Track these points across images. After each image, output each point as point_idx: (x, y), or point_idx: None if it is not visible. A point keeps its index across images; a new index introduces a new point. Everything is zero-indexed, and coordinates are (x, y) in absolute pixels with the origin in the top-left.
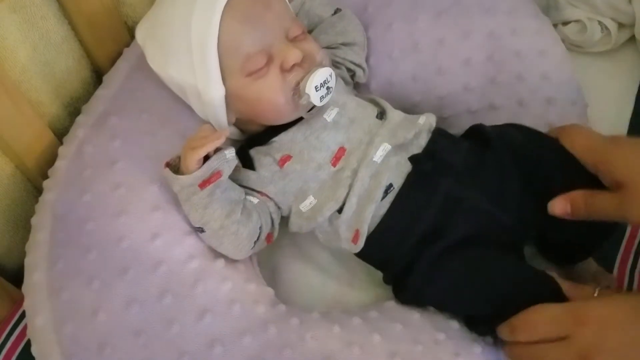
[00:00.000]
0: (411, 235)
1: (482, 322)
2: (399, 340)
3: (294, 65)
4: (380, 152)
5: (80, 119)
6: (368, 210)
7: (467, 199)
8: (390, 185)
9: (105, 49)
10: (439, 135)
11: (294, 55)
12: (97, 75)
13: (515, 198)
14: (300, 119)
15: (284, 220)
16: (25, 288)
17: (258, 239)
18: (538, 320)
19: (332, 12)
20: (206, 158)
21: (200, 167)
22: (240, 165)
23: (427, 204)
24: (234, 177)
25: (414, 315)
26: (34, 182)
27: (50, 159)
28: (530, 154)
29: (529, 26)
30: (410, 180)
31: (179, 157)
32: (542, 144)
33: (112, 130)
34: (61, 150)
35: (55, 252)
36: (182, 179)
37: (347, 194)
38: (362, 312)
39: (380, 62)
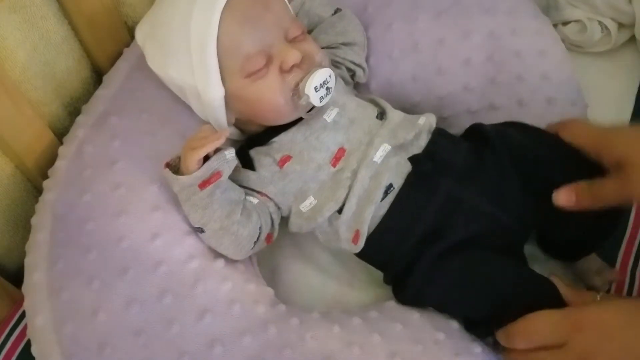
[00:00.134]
0: (411, 236)
1: (481, 324)
2: (399, 340)
3: (293, 66)
4: (380, 153)
5: (80, 119)
6: (368, 210)
7: (467, 200)
8: (390, 186)
9: (105, 49)
10: (439, 135)
11: (293, 55)
12: (97, 75)
13: (515, 198)
14: (300, 119)
15: (284, 220)
16: (25, 288)
17: (258, 239)
18: (536, 328)
19: (332, 12)
20: (206, 158)
21: (200, 168)
22: (240, 165)
23: (427, 204)
24: (233, 178)
25: (414, 315)
26: (34, 182)
27: (50, 159)
28: (529, 153)
29: (529, 26)
30: (410, 181)
31: (179, 158)
32: (542, 141)
33: (112, 130)
34: (61, 150)
35: (55, 252)
36: (182, 179)
37: (347, 194)
38: (362, 312)
39: (380, 62)
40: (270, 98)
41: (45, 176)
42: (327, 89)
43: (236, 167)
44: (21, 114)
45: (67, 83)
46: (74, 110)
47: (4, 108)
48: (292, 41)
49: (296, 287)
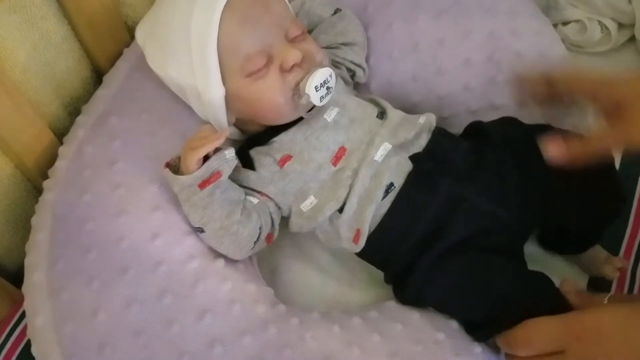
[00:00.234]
0: (412, 235)
1: (481, 326)
2: (399, 340)
3: (293, 66)
4: (381, 152)
5: (80, 119)
6: (369, 209)
7: (467, 199)
8: (391, 185)
9: (105, 49)
10: (439, 134)
11: (293, 55)
12: (97, 75)
13: (516, 196)
14: (301, 119)
15: (284, 220)
16: (25, 288)
17: (258, 239)
18: (534, 336)
19: (332, 12)
20: (206, 158)
21: (200, 168)
22: (240, 165)
23: (428, 203)
24: (234, 178)
25: (414, 315)
26: (34, 182)
27: (50, 159)
28: (529, 150)
29: (529, 26)
30: (411, 180)
31: (179, 158)
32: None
33: (112, 130)
34: (61, 150)
35: (55, 252)
36: (181, 179)
37: (348, 193)
38: (362, 312)
39: (380, 62)
40: (270, 98)
41: (45, 176)
42: (328, 88)
43: (236, 167)
44: (21, 114)
45: (67, 83)
46: (74, 110)
47: (4, 108)
48: (292, 41)
49: (296, 287)
